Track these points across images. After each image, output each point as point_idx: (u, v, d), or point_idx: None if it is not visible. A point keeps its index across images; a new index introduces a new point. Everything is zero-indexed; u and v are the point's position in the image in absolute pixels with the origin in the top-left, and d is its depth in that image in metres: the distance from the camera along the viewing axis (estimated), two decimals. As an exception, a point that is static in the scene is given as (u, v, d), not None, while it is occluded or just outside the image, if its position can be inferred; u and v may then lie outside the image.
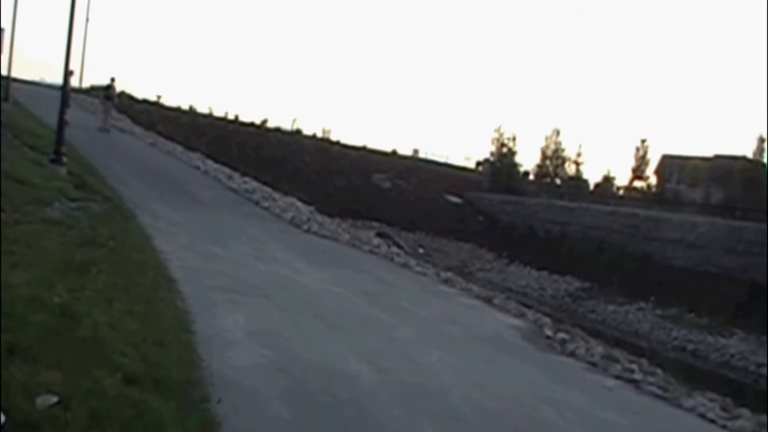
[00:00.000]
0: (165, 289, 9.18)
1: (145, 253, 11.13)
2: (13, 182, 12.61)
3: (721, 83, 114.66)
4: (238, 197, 24.29)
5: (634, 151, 66.66)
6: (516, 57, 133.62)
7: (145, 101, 49.20)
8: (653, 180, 66.05)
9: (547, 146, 63.75)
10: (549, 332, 12.91)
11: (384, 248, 21.25)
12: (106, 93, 34.18)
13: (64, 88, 28.33)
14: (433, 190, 49.30)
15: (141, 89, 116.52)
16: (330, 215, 27.69)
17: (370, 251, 19.66)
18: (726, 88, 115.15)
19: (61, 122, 17.78)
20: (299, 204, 26.21)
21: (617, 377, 10.57)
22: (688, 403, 9.84)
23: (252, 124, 52.37)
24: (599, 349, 12.29)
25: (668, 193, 60.11)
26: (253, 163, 37.35)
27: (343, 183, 43.78)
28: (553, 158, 63.56)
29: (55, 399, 4.66)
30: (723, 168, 57.48)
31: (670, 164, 64.75)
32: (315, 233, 20.27)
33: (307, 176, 41.30)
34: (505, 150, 55.96)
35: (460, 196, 49.72)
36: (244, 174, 30.23)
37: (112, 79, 35.02)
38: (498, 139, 56.95)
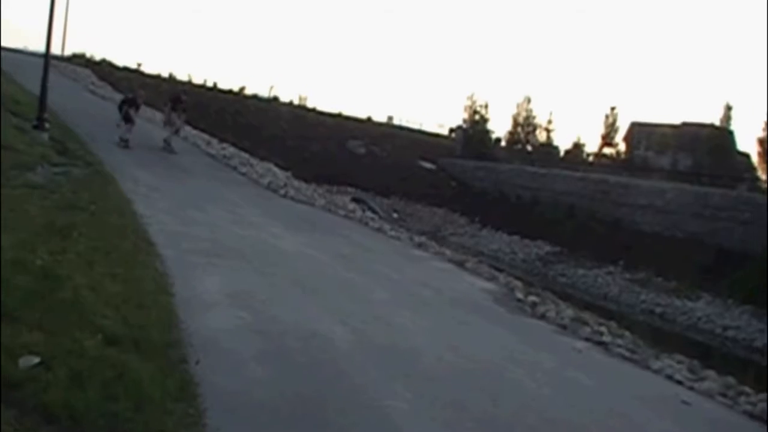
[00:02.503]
0: (145, 252, 9.28)
1: (126, 218, 11.21)
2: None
3: (689, 52, 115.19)
4: (217, 163, 24.30)
5: (603, 118, 66.88)
6: (488, 25, 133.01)
7: (126, 69, 48.90)
8: (622, 147, 66.38)
9: (518, 113, 63.77)
10: (520, 295, 13.13)
11: (359, 213, 21.38)
12: (173, 103, 25.59)
13: (131, 102, 23.77)
14: (407, 156, 49.36)
15: (121, 56, 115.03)
16: (306, 180, 27.68)
17: (346, 216, 19.77)
18: (693, 57, 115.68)
19: (44, 89, 17.59)
20: (276, 169, 26.22)
21: (587, 339, 10.80)
22: (656, 364, 10.08)
23: (230, 92, 52.28)
24: (569, 311, 12.52)
25: (637, 160, 60.56)
26: (231, 129, 37.25)
27: (319, 149, 43.74)
28: (525, 125, 63.62)
29: (37, 359, 4.75)
30: (690, 135, 57.98)
31: (638, 131, 65.07)
32: (292, 198, 20.36)
33: (283, 142, 41.24)
34: (477, 117, 56.24)
35: (433, 162, 49.86)
36: (222, 140, 30.16)
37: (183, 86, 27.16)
38: (470, 107, 57.18)
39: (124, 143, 21.92)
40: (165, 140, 23.91)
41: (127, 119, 22.63)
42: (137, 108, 23.51)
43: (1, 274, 5.84)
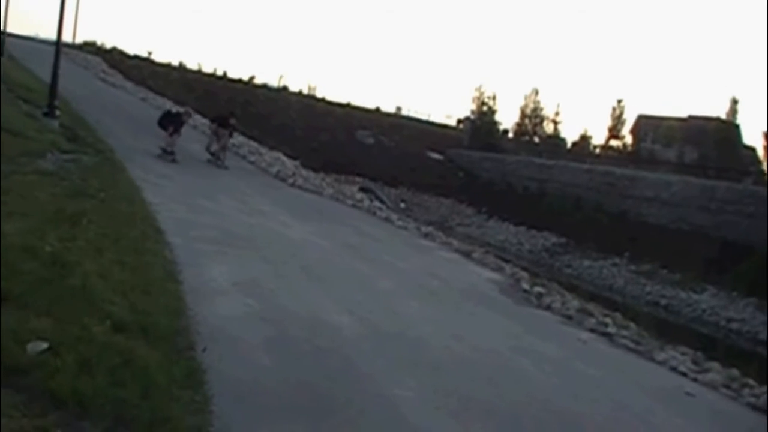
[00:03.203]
0: (153, 240, 9.31)
1: (135, 205, 11.26)
2: (8, 134, 12.64)
3: (696, 45, 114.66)
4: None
5: (610, 111, 66.67)
6: (497, 17, 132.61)
7: (137, 57, 49.14)
8: (629, 139, 66.31)
9: (526, 105, 63.72)
10: (526, 286, 13.16)
11: (367, 202, 21.44)
12: (218, 122, 22.75)
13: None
14: (415, 146, 49.31)
15: (132, 44, 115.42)
16: (315, 170, 27.77)
17: (353, 205, 19.84)
18: (700, 50, 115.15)
19: (55, 77, 17.61)
20: (285, 159, 26.31)
21: (592, 330, 10.84)
22: (660, 356, 10.12)
23: (240, 81, 52.29)
24: (574, 302, 12.55)
25: (643, 152, 60.47)
26: (241, 118, 36.98)
27: (327, 139, 43.75)
28: (532, 117, 63.58)
29: (45, 345, 4.75)
30: (697, 128, 57.92)
31: (645, 124, 65.01)
32: (300, 187, 20.44)
33: (292, 132, 41.25)
34: (485, 108, 56.14)
35: (441, 153, 49.81)
36: (231, 129, 30.06)
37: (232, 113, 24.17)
38: (478, 98, 57.09)
39: (171, 156, 19.58)
40: (213, 153, 21.78)
41: (173, 133, 20.28)
42: (182, 124, 21.16)
43: (0, 258, 5.85)
